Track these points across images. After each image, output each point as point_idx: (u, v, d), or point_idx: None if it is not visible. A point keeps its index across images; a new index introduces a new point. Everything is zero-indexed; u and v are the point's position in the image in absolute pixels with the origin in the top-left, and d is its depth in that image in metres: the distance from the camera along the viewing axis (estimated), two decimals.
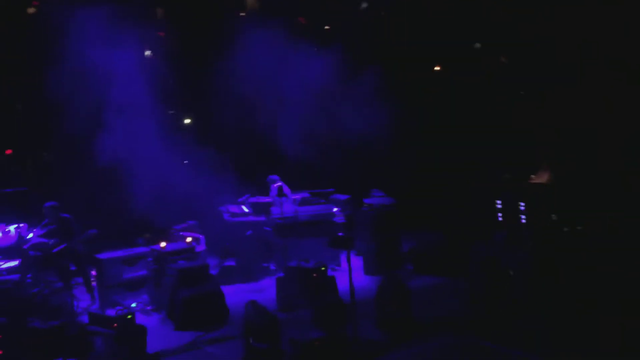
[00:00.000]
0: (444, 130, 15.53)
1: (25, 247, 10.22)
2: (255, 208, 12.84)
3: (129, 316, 9.45)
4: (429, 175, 15.25)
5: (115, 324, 9.20)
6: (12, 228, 10.60)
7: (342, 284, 10.73)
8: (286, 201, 12.49)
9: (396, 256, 12.38)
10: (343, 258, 12.57)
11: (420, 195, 14.55)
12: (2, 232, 10.94)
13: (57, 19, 13.24)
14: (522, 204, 9.68)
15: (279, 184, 12.84)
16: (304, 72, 13.71)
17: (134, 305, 11.06)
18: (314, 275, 10.63)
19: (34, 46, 14.88)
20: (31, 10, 16.78)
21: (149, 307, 11.14)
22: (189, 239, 11.82)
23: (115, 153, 13.19)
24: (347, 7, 15.89)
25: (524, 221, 9.72)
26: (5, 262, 10.56)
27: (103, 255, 11.38)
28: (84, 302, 11.20)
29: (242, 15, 16.64)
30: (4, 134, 15.79)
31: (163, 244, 11.33)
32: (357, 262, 12.51)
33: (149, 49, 16.32)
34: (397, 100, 13.68)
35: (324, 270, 10.75)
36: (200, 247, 12.28)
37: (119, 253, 11.51)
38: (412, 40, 15.93)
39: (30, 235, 10.91)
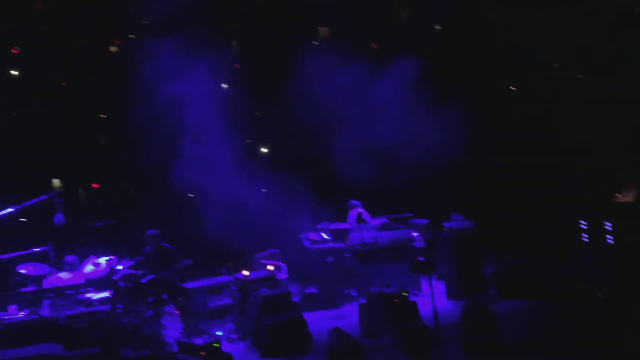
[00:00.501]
0: (523, 149, 15.28)
1: (115, 278, 10.54)
2: (335, 235, 12.89)
3: (216, 344, 9.66)
4: (509, 196, 14.98)
5: (203, 352, 9.39)
6: (102, 260, 10.94)
7: (424, 309, 10.67)
8: (365, 227, 12.51)
9: (479, 280, 12.21)
10: (424, 283, 12.49)
11: (500, 217, 14.30)
12: (94, 265, 11.30)
13: (137, 54, 13.81)
14: (608, 223, 9.44)
15: (358, 210, 12.88)
16: (378, 96, 13.85)
17: (220, 333, 11.21)
18: (396, 300, 10.59)
19: (115, 82, 15.48)
20: (113, 48, 17.49)
21: (234, 335, 11.28)
22: (270, 267, 11.98)
23: (196, 183, 13.62)
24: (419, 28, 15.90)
25: (610, 241, 9.49)
26: (97, 294, 10.89)
27: (189, 285, 11.61)
28: (172, 330, 11.42)
29: (314, 44, 16.86)
30: (91, 168, 16.40)
31: (247, 273, 11.49)
32: (438, 286, 12.42)
33: (226, 81, 16.78)
34: (474, 121, 13.59)
35: (406, 295, 10.71)
36: (282, 275, 12.40)
37: (204, 282, 11.73)
38: (490, 60, 15.81)
39: (120, 266, 11.25)
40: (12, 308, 10.63)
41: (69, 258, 11.32)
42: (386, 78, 14.04)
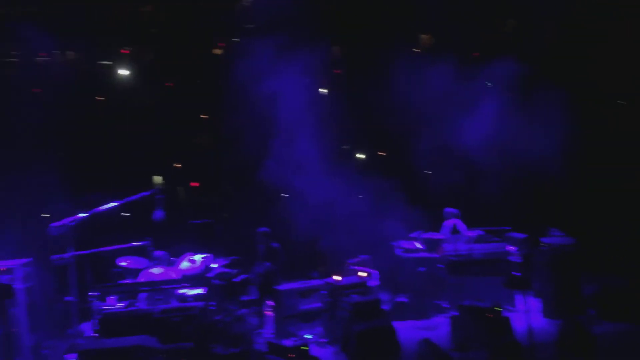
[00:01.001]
0: (630, 161, 14.68)
1: (209, 275, 10.73)
2: (429, 244, 12.75)
3: (305, 347, 9.68)
4: (613, 212, 14.43)
5: (292, 355, 9.42)
6: (198, 257, 11.15)
7: (518, 325, 10.38)
8: (460, 238, 12.30)
9: (577, 299, 11.78)
10: (518, 299, 12.14)
11: (603, 234, 13.81)
12: (189, 261, 11.54)
13: (240, 57, 14.05)
14: None
15: (454, 221, 12.67)
16: (479, 104, 13.65)
17: (309, 336, 11.25)
18: (489, 315, 10.34)
19: (218, 83, 15.81)
20: (217, 51, 17.88)
21: (323, 339, 11.29)
22: (362, 274, 11.93)
23: (292, 185, 13.76)
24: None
25: None
26: (192, 290, 11.01)
27: (281, 287, 11.71)
28: (263, 331, 11.54)
29: (416, 52, 16.73)
30: (192, 168, 16.74)
31: (338, 278, 11.49)
32: (534, 303, 12.09)
33: (325, 86, 16.89)
34: (579, 132, 13.17)
35: (499, 310, 10.45)
36: (373, 282, 12.33)
37: (295, 285, 11.81)
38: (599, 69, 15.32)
39: (215, 265, 11.46)
40: (111, 299, 11.04)
41: (158, 253, 11.59)
42: (487, 86, 13.87)
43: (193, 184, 17.38)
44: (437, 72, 13.60)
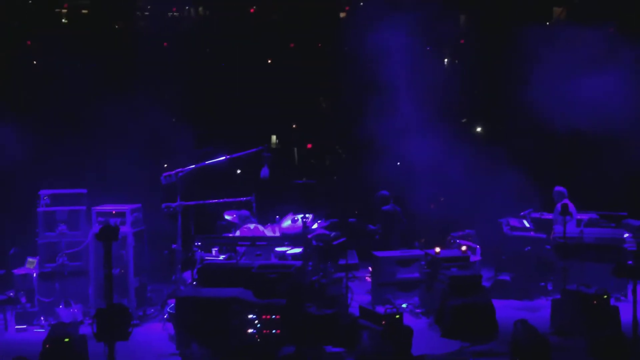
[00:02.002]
0: None
1: (309, 236, 10.80)
2: (537, 224, 12.35)
3: (398, 316, 9.57)
4: None
5: (384, 322, 9.36)
6: (299, 217, 11.24)
7: (626, 316, 9.81)
8: (570, 220, 11.77)
9: None
10: (630, 288, 11.50)
11: None
12: (292, 221, 11.53)
13: (362, 24, 13.92)
14: None
15: (565, 200, 12.10)
16: (611, 81, 12.84)
17: (404, 305, 11.18)
18: (594, 302, 9.87)
19: (340, 48, 15.81)
20: (342, 14, 17.86)
21: (418, 310, 11.20)
22: (464, 248, 11.71)
23: (406, 158, 13.91)
24: None
25: None
26: (291, 249, 11.20)
27: (380, 254, 11.68)
28: (358, 295, 11.55)
29: (547, 25, 16.05)
30: (310, 128, 17.03)
31: (438, 250, 11.30)
32: None
33: (449, 56, 16.54)
34: None
35: (606, 298, 9.94)
36: (475, 257, 12.06)
37: (394, 253, 11.75)
38: None
39: (315, 225, 11.49)
40: (214, 250, 11.36)
41: (244, 213, 11.75)
42: (620, 63, 13.03)
43: (308, 145, 17.57)
44: (567, 46, 13.07)
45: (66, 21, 16.52)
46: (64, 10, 16.54)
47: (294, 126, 17.28)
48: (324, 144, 17.31)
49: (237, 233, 11.55)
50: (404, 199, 13.19)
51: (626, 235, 12.01)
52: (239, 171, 15.15)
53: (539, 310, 11.26)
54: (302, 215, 10.80)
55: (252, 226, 11.54)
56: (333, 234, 11.20)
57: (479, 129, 16.74)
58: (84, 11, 16.55)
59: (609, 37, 13.94)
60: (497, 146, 14.39)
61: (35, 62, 15.19)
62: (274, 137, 17.28)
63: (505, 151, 13.99)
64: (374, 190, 12.84)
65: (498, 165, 13.58)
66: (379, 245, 12.05)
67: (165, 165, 11.91)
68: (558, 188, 12.43)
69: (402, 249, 12.09)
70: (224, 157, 11.02)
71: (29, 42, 15.36)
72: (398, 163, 14.51)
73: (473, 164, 13.71)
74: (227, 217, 11.92)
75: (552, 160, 14.42)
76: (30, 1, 15.95)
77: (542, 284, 12.06)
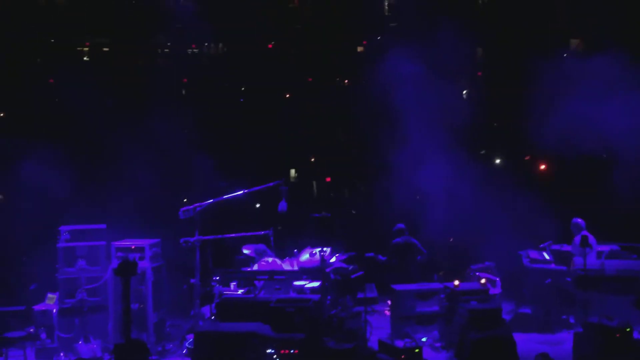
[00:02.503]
0: None
1: (327, 270, 10.78)
2: (557, 256, 12.16)
3: (417, 350, 9.53)
4: None
5: (403, 356, 9.28)
6: (317, 251, 11.24)
7: None
8: (590, 252, 11.61)
9: None
10: None
11: None
12: (310, 254, 11.59)
13: (381, 56, 14.01)
14: None
15: (584, 232, 11.97)
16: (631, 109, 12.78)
17: (424, 339, 11.03)
18: (617, 335, 9.71)
19: (358, 81, 15.90)
20: (360, 49, 18.01)
21: (438, 344, 11.08)
22: (483, 280, 11.61)
23: (423, 189, 13.81)
24: None
25: None
26: (309, 282, 11.17)
27: (399, 287, 11.58)
28: (377, 329, 11.45)
29: (565, 55, 16.04)
30: (328, 161, 17.06)
31: (457, 283, 11.26)
32: None
33: (466, 88, 16.59)
34: None
35: (629, 331, 9.78)
36: (495, 290, 11.96)
37: (413, 286, 11.64)
38: None
39: (333, 259, 11.49)
40: (233, 285, 11.36)
41: (261, 247, 11.79)
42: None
43: (327, 178, 17.61)
44: (587, 76, 12.96)
45: (88, 59, 16.83)
46: (86, 49, 16.84)
47: (312, 159, 17.29)
48: (342, 177, 17.25)
49: (255, 267, 11.57)
50: (422, 230, 13.10)
51: None
52: (257, 205, 15.11)
53: (561, 344, 11.07)
54: (319, 249, 10.80)
55: (269, 260, 11.56)
56: (351, 267, 11.22)
57: (497, 161, 16.67)
58: (105, 49, 16.84)
59: (625, 64, 14.04)
60: (516, 177, 14.40)
61: (56, 100, 15.40)
62: (292, 171, 17.31)
63: (523, 182, 14.02)
64: (392, 223, 12.81)
65: (517, 197, 13.54)
66: (398, 279, 11.95)
67: (185, 200, 11.91)
68: (575, 220, 12.31)
69: (421, 282, 11.98)
70: (242, 192, 11.07)
71: (51, 80, 15.62)
72: (417, 197, 14.44)
73: (492, 195, 13.58)
74: (245, 251, 11.93)
75: (572, 191, 14.27)
76: (52, 40, 16.24)
77: (564, 316, 11.90)
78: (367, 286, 11.32)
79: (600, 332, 9.85)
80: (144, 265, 10.87)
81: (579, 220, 12.24)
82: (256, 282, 10.89)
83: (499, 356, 10.02)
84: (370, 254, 11.98)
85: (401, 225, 12.66)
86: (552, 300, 11.82)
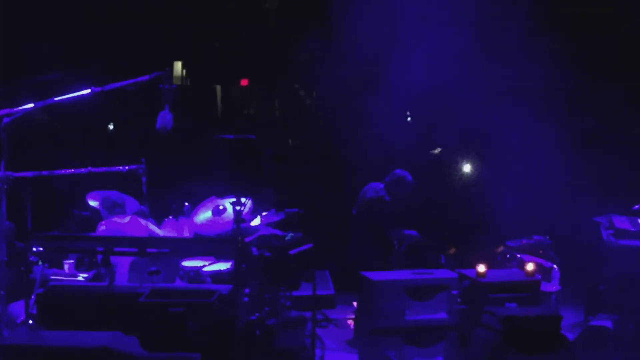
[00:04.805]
0: None
1: (246, 240, 10.93)
2: None
3: None
4: None
5: None
6: (227, 204, 11.57)
7: None
8: None
9: None
10: None
11: None
12: (214, 211, 12.17)
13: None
14: None
15: None
16: None
17: None
18: None
19: None
20: None
21: None
22: (530, 267, 11.71)
23: None
24: None
25: None
26: (212, 263, 11.79)
27: (374, 276, 11.76)
28: (331, 352, 11.97)
29: None
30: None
31: (482, 269, 11.37)
32: None
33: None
34: None
35: None
36: (551, 286, 12.43)
37: (401, 275, 11.91)
38: None
39: (258, 220, 12.05)
40: (68, 265, 11.78)
41: (113, 195, 12.30)
42: None
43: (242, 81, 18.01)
44: None
45: None
46: None
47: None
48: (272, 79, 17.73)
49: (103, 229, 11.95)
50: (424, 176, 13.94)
51: None
52: (111, 126, 15.20)
53: None
54: (232, 201, 10.76)
55: (127, 219, 11.83)
56: (290, 235, 11.33)
57: None
58: None
59: None
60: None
61: None
62: (178, 65, 17.48)
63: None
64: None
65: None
66: (373, 262, 12.24)
67: None
68: None
69: (415, 266, 12.29)
70: (88, 90, 10.90)
71: None
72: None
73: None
74: (91, 202, 12.31)
75: None
76: None
77: None
78: (317, 274, 11.73)
79: None
80: None
81: None
82: (114, 261, 11.01)
83: None
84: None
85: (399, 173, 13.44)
86: None
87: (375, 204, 13.39)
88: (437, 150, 18.18)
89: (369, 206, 13.42)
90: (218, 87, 18.01)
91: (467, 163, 17.66)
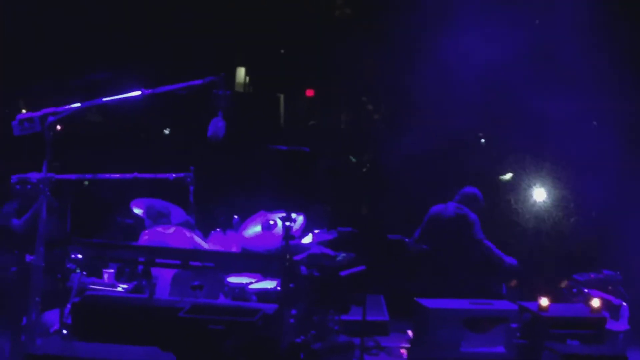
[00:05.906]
0: None
1: (295, 258, 10.84)
2: None
3: None
4: None
5: None
6: (277, 219, 11.46)
7: None
8: None
9: None
10: None
11: None
12: (263, 225, 12.27)
13: None
14: None
15: None
16: None
17: None
18: None
19: None
20: None
21: None
22: (597, 302, 11.56)
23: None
24: None
25: None
26: (259, 280, 11.86)
27: (429, 303, 11.73)
28: None
29: None
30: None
31: (544, 302, 11.27)
32: None
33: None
34: None
35: None
36: (619, 325, 12.22)
37: (459, 304, 11.82)
38: None
39: (309, 238, 12.13)
40: (108, 274, 11.83)
41: (158, 204, 12.48)
42: None
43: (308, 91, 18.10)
44: None
45: None
46: None
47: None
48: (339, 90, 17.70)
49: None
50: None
51: None
52: (166, 131, 15.20)
53: None
54: (283, 216, 10.73)
55: (171, 230, 11.85)
56: (342, 255, 11.14)
57: None
58: None
59: None
60: None
61: None
62: (241, 71, 17.46)
63: None
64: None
65: None
66: (431, 286, 12.25)
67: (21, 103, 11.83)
68: None
69: (475, 295, 12.19)
70: (139, 92, 10.82)
71: None
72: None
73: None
74: (135, 210, 12.37)
75: None
76: None
77: None
78: (369, 298, 11.79)
79: None
80: None
81: None
82: (155, 273, 11.01)
83: None
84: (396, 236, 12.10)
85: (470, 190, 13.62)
86: None
87: (461, 220, 13.33)
88: (508, 176, 17.89)
89: (455, 225, 13.35)
90: (281, 96, 17.93)
91: (540, 188, 17.27)
